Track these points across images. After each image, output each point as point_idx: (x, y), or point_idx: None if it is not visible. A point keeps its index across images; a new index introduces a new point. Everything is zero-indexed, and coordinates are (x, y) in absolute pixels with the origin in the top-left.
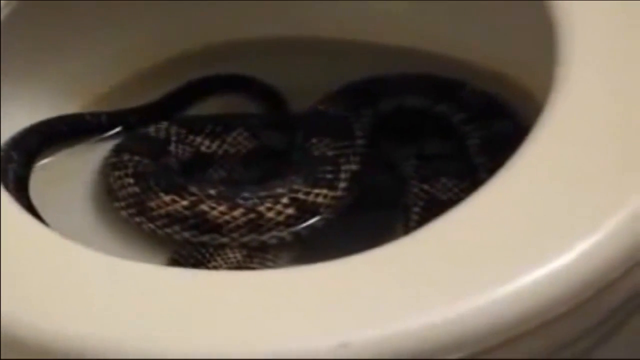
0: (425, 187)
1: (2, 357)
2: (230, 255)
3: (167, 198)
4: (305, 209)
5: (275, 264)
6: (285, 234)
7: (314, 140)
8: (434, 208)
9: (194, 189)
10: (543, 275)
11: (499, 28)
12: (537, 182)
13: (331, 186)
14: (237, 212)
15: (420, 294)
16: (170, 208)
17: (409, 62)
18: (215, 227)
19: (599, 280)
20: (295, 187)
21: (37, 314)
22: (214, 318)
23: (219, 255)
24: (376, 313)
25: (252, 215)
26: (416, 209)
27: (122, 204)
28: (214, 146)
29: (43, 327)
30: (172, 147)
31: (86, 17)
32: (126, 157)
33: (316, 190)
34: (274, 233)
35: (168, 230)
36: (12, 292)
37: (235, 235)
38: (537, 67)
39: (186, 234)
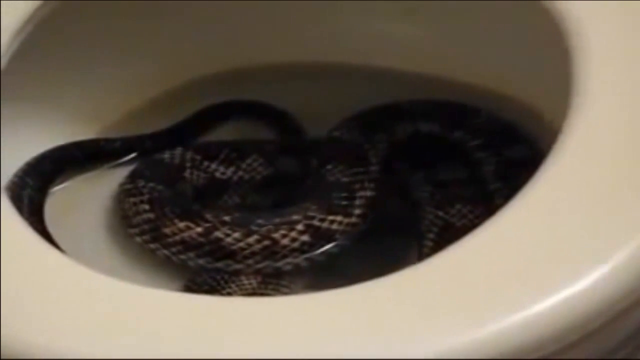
0: (440, 213)
1: None
2: (245, 281)
3: (181, 224)
4: (320, 236)
5: (290, 290)
6: (300, 260)
7: (329, 167)
8: (449, 234)
9: (208, 216)
10: (557, 302)
11: (514, 54)
12: (553, 209)
13: (346, 212)
14: (251, 239)
15: (434, 321)
16: (185, 234)
17: (424, 88)
18: (230, 254)
19: (613, 307)
20: (310, 213)
21: (50, 340)
22: (228, 345)
23: (233, 282)
24: (392, 340)
25: (267, 242)
26: (430, 235)
27: (137, 230)
28: (229, 172)
29: (56, 353)
30: (187, 173)
31: (102, 43)
32: (141, 183)
33: (331, 217)
34: (289, 260)
35: (182, 256)
36: (25, 318)
37: (250, 262)
38: (552, 93)
39: (201, 261)
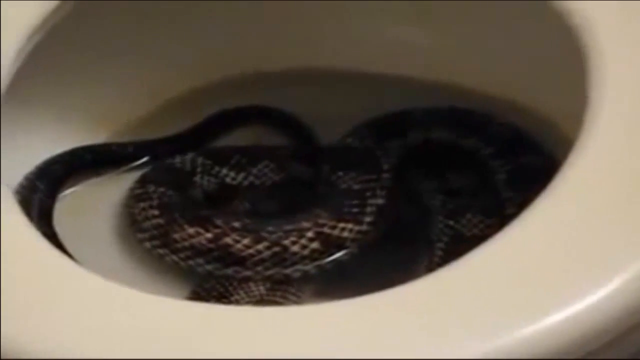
0: (451, 222)
1: None
2: (254, 288)
3: (191, 230)
4: (330, 243)
5: (298, 298)
6: (310, 268)
7: (340, 174)
8: (459, 244)
9: (218, 222)
10: (570, 314)
11: (528, 61)
12: (566, 220)
13: (357, 220)
14: (261, 246)
15: (444, 333)
16: (194, 240)
17: (437, 95)
18: (239, 260)
19: (628, 319)
20: (321, 220)
21: (55, 345)
22: (234, 354)
23: (241, 288)
24: (401, 352)
25: (276, 249)
26: (440, 245)
27: (146, 235)
28: (240, 178)
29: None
30: (197, 179)
31: (114, 47)
32: (151, 188)
33: (342, 224)
34: (299, 267)
35: (191, 262)
36: (30, 322)
37: (259, 268)
38: (566, 101)
39: (209, 267)
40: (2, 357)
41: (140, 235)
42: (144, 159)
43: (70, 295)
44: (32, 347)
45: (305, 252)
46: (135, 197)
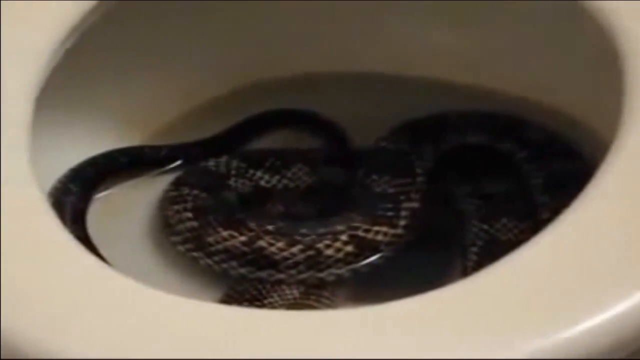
0: (485, 227)
1: None
2: (287, 292)
3: (225, 233)
4: (364, 247)
5: (332, 301)
6: (343, 271)
7: (374, 177)
8: (493, 248)
9: (252, 225)
10: (605, 320)
11: (565, 67)
12: (601, 225)
13: (391, 224)
14: (295, 249)
15: (479, 338)
16: (228, 243)
17: (473, 99)
18: (273, 264)
19: None
20: (355, 224)
21: (88, 349)
22: (268, 358)
23: (275, 291)
24: (435, 356)
25: (310, 252)
26: (475, 249)
27: (180, 238)
28: (274, 181)
29: None
30: (231, 181)
31: (148, 50)
32: (185, 191)
33: (376, 228)
34: (333, 270)
35: (225, 265)
36: (63, 326)
37: (292, 272)
38: (603, 106)
39: (243, 270)
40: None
41: (174, 238)
42: (178, 162)
43: (103, 299)
44: (64, 351)
45: (340, 255)
46: (169, 200)
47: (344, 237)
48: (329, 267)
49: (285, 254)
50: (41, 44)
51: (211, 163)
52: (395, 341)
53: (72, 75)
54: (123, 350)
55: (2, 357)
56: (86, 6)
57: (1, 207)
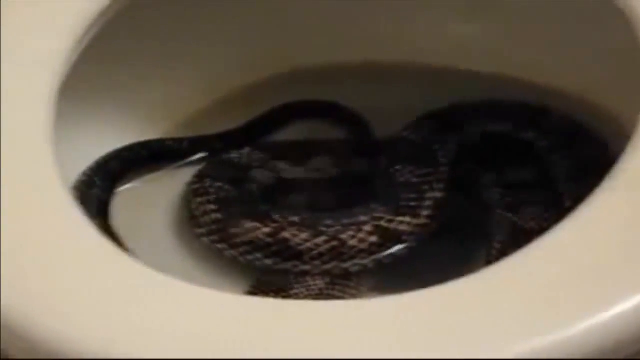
0: (509, 215)
1: None
2: (312, 283)
3: (249, 225)
4: (388, 237)
5: (357, 292)
6: (368, 262)
7: (398, 167)
8: (518, 237)
9: (276, 216)
10: (627, 310)
11: (585, 53)
12: (624, 213)
13: (415, 214)
14: (319, 240)
15: (501, 328)
16: (252, 235)
17: (496, 88)
18: (297, 255)
19: None
20: (379, 214)
21: (112, 341)
22: (296, 349)
23: (300, 282)
24: (461, 345)
25: (334, 243)
26: (499, 238)
27: (204, 230)
28: (297, 172)
29: (117, 354)
30: (254, 173)
31: (171, 42)
32: (208, 183)
33: (399, 218)
34: (357, 261)
35: (249, 257)
36: (88, 318)
37: (317, 262)
38: (626, 93)
39: (268, 261)
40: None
41: (198, 230)
42: (201, 155)
43: (128, 291)
44: (89, 346)
45: (363, 246)
46: (192, 192)
47: (367, 228)
48: (353, 257)
49: (309, 245)
50: (63, 36)
51: (234, 155)
52: (417, 331)
53: (95, 69)
54: (150, 344)
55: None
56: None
57: (26, 201)
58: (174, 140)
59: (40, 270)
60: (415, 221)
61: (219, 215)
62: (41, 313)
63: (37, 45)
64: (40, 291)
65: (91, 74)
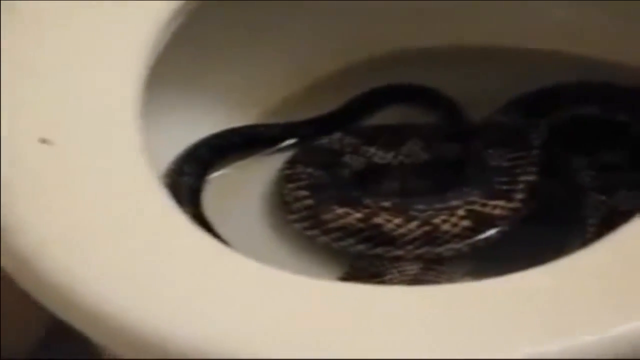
0: (604, 198)
1: None
2: (407, 267)
3: (341, 210)
4: (481, 221)
5: (450, 277)
6: (461, 246)
7: (490, 151)
8: (613, 219)
9: (368, 201)
10: None
11: None
12: None
13: (508, 197)
14: (412, 225)
15: (596, 309)
16: (344, 221)
17: (588, 70)
18: (390, 240)
19: None
20: (472, 198)
21: (207, 330)
22: (390, 336)
23: (395, 267)
24: (559, 326)
25: (427, 228)
26: (593, 221)
27: (296, 216)
28: (388, 157)
29: (213, 344)
30: (346, 158)
31: (260, 28)
32: (300, 169)
33: (493, 202)
34: (450, 245)
35: (342, 243)
36: (182, 308)
37: (409, 247)
38: None
39: (360, 247)
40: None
41: (290, 217)
42: (292, 140)
43: (224, 280)
44: (187, 336)
45: (456, 230)
46: (284, 178)
47: (460, 212)
48: (446, 242)
49: (402, 230)
50: (149, 24)
51: (325, 140)
52: (513, 314)
53: (185, 55)
54: (248, 333)
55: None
56: None
57: (116, 190)
58: (265, 126)
59: (132, 261)
60: (508, 205)
61: (310, 201)
62: (135, 304)
63: (124, 33)
64: (132, 282)
65: (181, 60)
